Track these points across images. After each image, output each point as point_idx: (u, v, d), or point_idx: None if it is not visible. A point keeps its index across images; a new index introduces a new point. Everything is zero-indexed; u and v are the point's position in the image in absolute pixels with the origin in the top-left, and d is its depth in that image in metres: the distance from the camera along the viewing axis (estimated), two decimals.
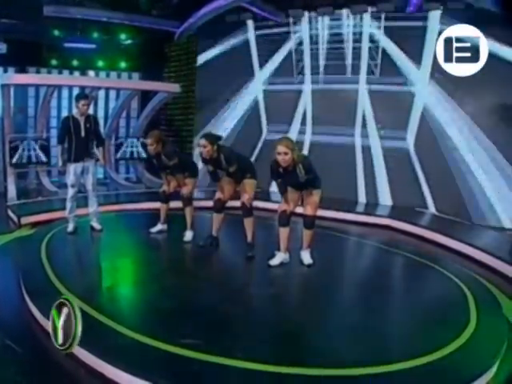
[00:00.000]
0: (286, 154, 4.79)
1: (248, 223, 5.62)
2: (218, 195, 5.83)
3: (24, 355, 3.44)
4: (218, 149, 5.47)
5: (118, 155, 11.36)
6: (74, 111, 6.36)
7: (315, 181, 5.16)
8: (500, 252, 6.24)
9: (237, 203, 5.68)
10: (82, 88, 10.75)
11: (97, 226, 6.56)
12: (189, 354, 3.20)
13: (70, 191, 6.30)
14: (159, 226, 6.57)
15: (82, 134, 6.21)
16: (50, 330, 3.57)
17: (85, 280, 4.74)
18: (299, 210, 5.35)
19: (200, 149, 5.50)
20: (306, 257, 5.32)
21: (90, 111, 6.54)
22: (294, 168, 4.93)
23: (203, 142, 5.41)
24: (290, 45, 10.28)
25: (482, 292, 4.77)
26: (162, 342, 3.33)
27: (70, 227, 6.39)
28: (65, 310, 3.50)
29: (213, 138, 5.49)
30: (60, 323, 3.48)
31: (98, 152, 6.43)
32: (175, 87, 11.31)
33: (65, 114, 11.89)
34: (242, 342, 3.52)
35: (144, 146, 6.31)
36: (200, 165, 6.41)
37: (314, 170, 5.10)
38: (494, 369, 3.35)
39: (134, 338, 3.42)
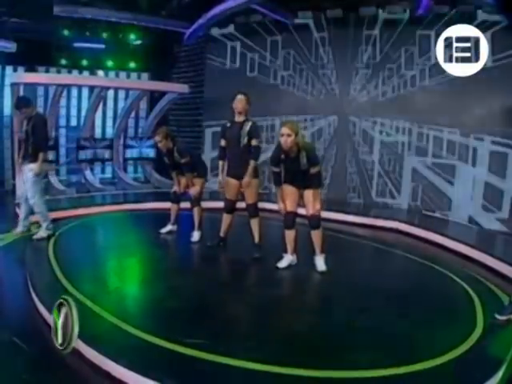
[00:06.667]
0: (288, 135, 4.79)
1: (254, 224, 5.66)
2: (228, 195, 5.84)
3: (31, 353, 3.46)
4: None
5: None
6: None
7: (318, 178, 5.11)
8: (507, 255, 6.20)
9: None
10: (91, 88, 10.82)
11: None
12: (194, 354, 3.21)
13: None
14: (169, 227, 6.58)
15: (24, 135, 6.16)
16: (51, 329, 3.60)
17: (92, 278, 4.77)
18: (302, 211, 5.33)
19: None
20: (320, 263, 5.18)
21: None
22: (297, 155, 4.92)
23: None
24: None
25: (489, 296, 4.74)
26: (167, 341, 3.34)
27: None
28: (63, 310, 3.52)
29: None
30: (59, 323, 3.50)
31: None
32: (184, 88, 11.33)
33: (74, 113, 11.99)
34: (247, 342, 3.51)
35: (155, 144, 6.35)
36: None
37: (318, 161, 5.08)
38: (499, 373, 3.33)
39: (140, 336, 3.44)
